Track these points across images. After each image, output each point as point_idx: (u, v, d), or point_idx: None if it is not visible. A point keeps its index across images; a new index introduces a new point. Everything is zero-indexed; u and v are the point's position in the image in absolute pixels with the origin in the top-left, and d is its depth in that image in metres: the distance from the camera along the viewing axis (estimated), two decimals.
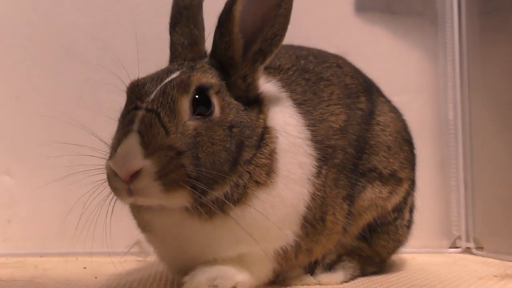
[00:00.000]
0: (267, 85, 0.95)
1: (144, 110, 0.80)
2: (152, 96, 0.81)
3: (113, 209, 0.86)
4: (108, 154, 0.83)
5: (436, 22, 1.67)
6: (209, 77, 0.86)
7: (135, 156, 0.75)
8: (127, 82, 0.88)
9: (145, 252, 1.36)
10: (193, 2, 0.97)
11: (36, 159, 1.50)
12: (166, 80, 0.83)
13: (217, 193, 0.82)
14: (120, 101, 0.89)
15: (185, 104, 0.82)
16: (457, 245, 1.61)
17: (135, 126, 0.78)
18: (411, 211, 1.17)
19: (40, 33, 1.55)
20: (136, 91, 0.84)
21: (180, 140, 0.78)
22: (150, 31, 1.54)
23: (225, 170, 0.81)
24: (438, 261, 1.38)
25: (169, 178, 0.76)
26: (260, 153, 0.87)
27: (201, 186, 0.78)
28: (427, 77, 1.66)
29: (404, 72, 1.62)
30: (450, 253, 1.59)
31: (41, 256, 1.44)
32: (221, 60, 0.89)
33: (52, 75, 1.54)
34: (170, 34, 0.97)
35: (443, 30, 1.66)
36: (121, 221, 0.89)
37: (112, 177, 0.78)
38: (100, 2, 1.58)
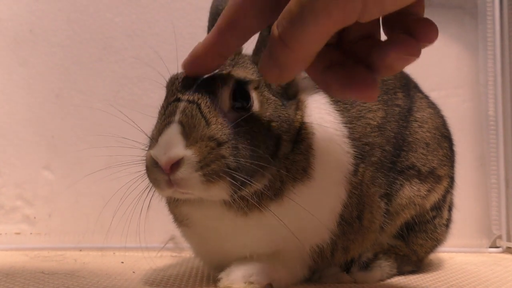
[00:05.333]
0: (305, 82, 0.94)
1: (185, 101, 0.80)
2: (193, 88, 0.82)
3: (149, 203, 0.87)
4: (148, 146, 0.84)
5: (476, 15, 1.62)
6: (249, 73, 0.86)
7: (176, 145, 0.76)
8: (165, 78, 0.89)
9: (180, 248, 1.37)
10: None
11: (76, 154, 1.54)
12: (208, 75, 0.84)
13: (256, 186, 0.82)
14: (157, 97, 0.90)
15: (225, 97, 0.82)
16: (498, 245, 1.57)
17: (176, 117, 0.79)
18: (450, 209, 1.15)
19: (78, 31, 1.59)
20: (177, 84, 0.84)
21: (221, 131, 0.79)
22: (187, 28, 1.55)
23: (263, 163, 0.81)
24: (477, 261, 1.35)
25: (209, 169, 0.76)
26: (297, 149, 0.87)
27: (240, 178, 0.78)
28: (467, 72, 1.62)
29: (443, 67, 1.58)
30: (490, 252, 1.55)
31: (80, 250, 1.47)
32: (258, 54, 0.89)
33: (90, 72, 1.58)
34: None
35: (484, 23, 1.61)
36: (156, 216, 0.91)
37: (152, 168, 0.78)
38: (136, 1, 1.60)
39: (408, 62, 0.66)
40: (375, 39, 0.70)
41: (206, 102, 0.80)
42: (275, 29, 0.63)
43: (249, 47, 0.88)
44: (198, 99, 0.80)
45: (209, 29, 0.98)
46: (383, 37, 0.70)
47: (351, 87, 0.66)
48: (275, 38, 0.63)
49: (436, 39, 0.65)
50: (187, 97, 0.81)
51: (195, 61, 0.78)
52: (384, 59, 0.65)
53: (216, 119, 0.80)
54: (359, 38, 0.69)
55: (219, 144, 0.78)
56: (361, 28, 0.66)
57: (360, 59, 0.68)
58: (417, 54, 0.64)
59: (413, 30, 0.64)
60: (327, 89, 0.71)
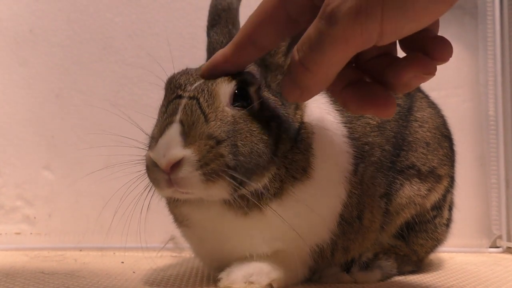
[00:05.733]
0: None
1: (186, 98, 0.81)
2: (194, 85, 0.82)
3: (149, 203, 0.87)
4: (148, 145, 0.84)
5: (476, 15, 1.62)
6: (250, 74, 0.86)
7: (175, 146, 0.76)
8: (163, 79, 0.89)
9: (180, 248, 1.37)
10: (231, 5, 0.97)
11: (76, 154, 1.54)
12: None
13: (255, 185, 0.82)
14: (157, 97, 0.90)
15: (225, 93, 0.82)
16: (498, 245, 1.57)
17: (178, 116, 0.79)
18: (450, 209, 1.15)
19: (78, 31, 1.59)
20: (177, 82, 0.85)
21: (220, 128, 0.79)
22: (187, 28, 1.55)
23: (262, 162, 0.81)
24: (478, 261, 1.35)
25: (209, 168, 0.76)
26: (297, 148, 0.87)
27: (239, 177, 0.78)
28: (467, 72, 1.62)
29: (443, 67, 1.56)
30: (490, 252, 1.54)
31: (80, 250, 1.47)
32: (263, 58, 0.89)
33: (90, 72, 1.58)
34: (208, 35, 0.98)
35: (484, 23, 1.61)
36: (156, 216, 0.90)
37: (152, 167, 0.78)
38: (136, 1, 1.60)
39: (423, 80, 0.70)
40: (392, 56, 0.72)
41: (206, 98, 0.80)
42: (295, 54, 0.68)
43: None
44: (198, 94, 0.81)
45: (208, 29, 0.98)
46: (400, 51, 0.73)
47: (368, 105, 0.70)
48: (295, 62, 0.68)
49: (450, 57, 0.68)
50: (188, 93, 0.81)
51: (213, 69, 0.82)
52: (400, 77, 0.68)
53: (215, 115, 0.80)
54: (377, 55, 0.72)
55: (218, 142, 0.78)
56: (378, 47, 0.67)
57: (377, 76, 0.72)
58: (432, 72, 0.68)
59: (428, 49, 0.67)
60: (346, 107, 0.75)
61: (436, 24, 0.70)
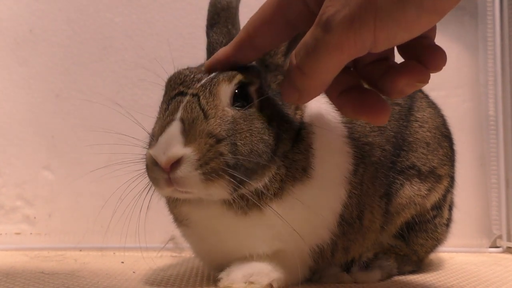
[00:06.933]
0: None
1: (189, 95, 0.81)
2: (195, 82, 0.83)
3: (149, 203, 0.87)
4: (148, 144, 0.84)
5: (476, 15, 1.62)
6: (251, 74, 0.86)
7: (175, 144, 0.76)
8: (163, 79, 0.89)
9: (180, 248, 1.37)
10: (230, 4, 0.97)
11: (76, 155, 1.54)
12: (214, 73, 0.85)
13: (255, 184, 0.82)
14: (157, 97, 0.90)
15: (225, 93, 0.82)
16: (498, 245, 1.57)
17: (179, 114, 0.79)
18: (450, 209, 1.15)
19: (78, 31, 1.59)
20: (179, 78, 0.85)
21: (220, 127, 0.79)
22: (187, 28, 1.56)
23: (262, 161, 0.81)
24: (478, 261, 1.35)
25: (209, 167, 0.76)
26: (297, 148, 0.87)
27: (239, 176, 0.78)
28: (467, 72, 1.62)
29: None
30: (490, 252, 1.54)
31: (80, 250, 1.47)
32: (263, 58, 0.89)
33: (90, 72, 1.58)
34: (207, 35, 0.98)
35: (484, 23, 1.61)
36: (156, 216, 0.90)
37: (152, 166, 0.78)
38: (136, 1, 1.60)
39: (416, 88, 0.72)
40: (389, 61, 0.74)
41: (206, 96, 0.81)
42: (293, 58, 0.70)
43: None
44: (199, 92, 0.81)
45: (207, 28, 0.98)
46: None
47: (363, 111, 0.73)
48: (293, 66, 0.70)
49: (444, 66, 0.70)
50: (191, 91, 0.82)
51: (215, 64, 0.85)
52: (395, 84, 0.70)
53: (215, 112, 0.80)
54: (375, 60, 0.74)
55: (218, 140, 0.78)
56: (375, 53, 0.69)
57: (374, 81, 0.74)
58: (426, 81, 0.70)
59: (423, 57, 0.69)
60: (342, 111, 0.78)
61: (433, 31, 0.71)
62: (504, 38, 1.60)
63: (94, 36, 1.59)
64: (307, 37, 0.67)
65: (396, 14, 0.59)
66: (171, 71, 0.89)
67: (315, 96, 0.74)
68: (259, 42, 0.80)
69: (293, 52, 0.71)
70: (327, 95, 0.79)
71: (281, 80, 0.77)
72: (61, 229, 1.54)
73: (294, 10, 0.75)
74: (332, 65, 0.67)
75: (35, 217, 1.55)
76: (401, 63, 0.72)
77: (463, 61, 1.62)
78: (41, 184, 1.55)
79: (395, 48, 0.74)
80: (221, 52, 0.84)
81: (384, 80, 0.71)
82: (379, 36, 0.61)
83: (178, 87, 0.84)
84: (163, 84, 0.88)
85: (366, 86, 0.76)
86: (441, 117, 1.13)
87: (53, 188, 1.55)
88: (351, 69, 0.77)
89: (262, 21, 0.78)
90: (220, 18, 0.97)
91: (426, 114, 1.08)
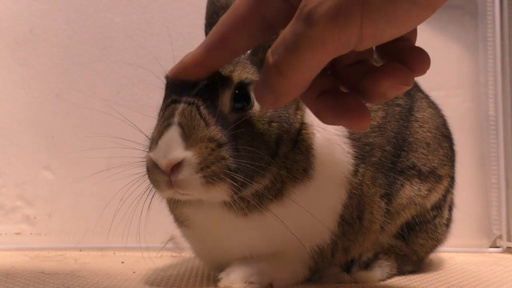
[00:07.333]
0: None
1: (183, 103, 0.79)
2: (194, 91, 0.81)
3: (150, 204, 0.86)
4: (148, 147, 0.84)
5: (476, 15, 1.62)
6: (249, 74, 0.85)
7: (176, 147, 0.75)
8: (163, 79, 0.89)
9: (180, 248, 1.37)
10: (229, 3, 0.96)
11: (76, 155, 1.54)
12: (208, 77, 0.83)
13: (256, 186, 0.82)
14: (157, 98, 0.89)
15: (225, 98, 0.81)
16: (498, 245, 1.57)
17: (175, 119, 0.78)
18: (450, 209, 1.15)
19: (78, 31, 1.59)
20: (176, 85, 0.83)
21: (221, 132, 0.78)
22: (187, 28, 1.55)
23: (264, 163, 0.81)
24: (478, 261, 1.35)
25: (210, 171, 0.76)
26: (297, 149, 0.87)
27: (240, 179, 0.78)
28: (467, 72, 1.62)
29: (443, 67, 1.58)
30: (490, 252, 1.54)
31: (80, 250, 1.47)
32: (262, 58, 0.88)
33: (90, 72, 1.58)
34: (206, 34, 0.97)
35: (484, 23, 1.61)
36: (157, 216, 0.90)
37: (152, 169, 0.78)
38: (136, 1, 1.60)
39: (400, 91, 0.66)
40: (369, 64, 0.69)
41: (206, 104, 0.79)
42: (270, 56, 0.63)
43: None
44: (198, 101, 0.79)
45: (206, 28, 0.97)
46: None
47: (342, 116, 0.67)
48: (270, 64, 0.63)
49: (428, 69, 0.65)
50: (185, 98, 0.80)
51: (182, 71, 0.77)
52: (377, 87, 0.65)
53: (216, 120, 0.79)
54: (353, 62, 0.69)
55: (219, 145, 0.77)
56: (355, 53, 0.65)
57: (353, 84, 0.68)
58: (410, 83, 0.65)
59: (407, 60, 0.64)
60: (320, 117, 0.70)
61: (414, 33, 0.67)
62: (504, 38, 1.60)
63: (94, 36, 1.59)
64: (286, 32, 0.60)
65: (386, 7, 0.54)
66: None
67: (291, 99, 0.68)
68: (232, 44, 0.72)
69: (270, 49, 0.64)
70: (303, 99, 0.72)
71: (255, 82, 0.71)
72: (61, 229, 1.54)
73: (272, 6, 0.68)
74: (313, 63, 0.60)
75: (35, 217, 1.55)
76: (384, 65, 0.66)
77: (463, 61, 1.62)
78: (41, 184, 1.55)
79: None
80: (189, 56, 0.76)
81: (366, 82, 0.66)
82: (366, 32, 0.56)
83: (173, 95, 0.81)
84: (163, 84, 0.88)
85: (343, 90, 0.70)
86: (442, 117, 1.13)
87: (53, 188, 1.55)
88: (328, 72, 0.70)
89: (235, 19, 0.71)
90: (219, 17, 0.96)
91: (426, 115, 1.08)
